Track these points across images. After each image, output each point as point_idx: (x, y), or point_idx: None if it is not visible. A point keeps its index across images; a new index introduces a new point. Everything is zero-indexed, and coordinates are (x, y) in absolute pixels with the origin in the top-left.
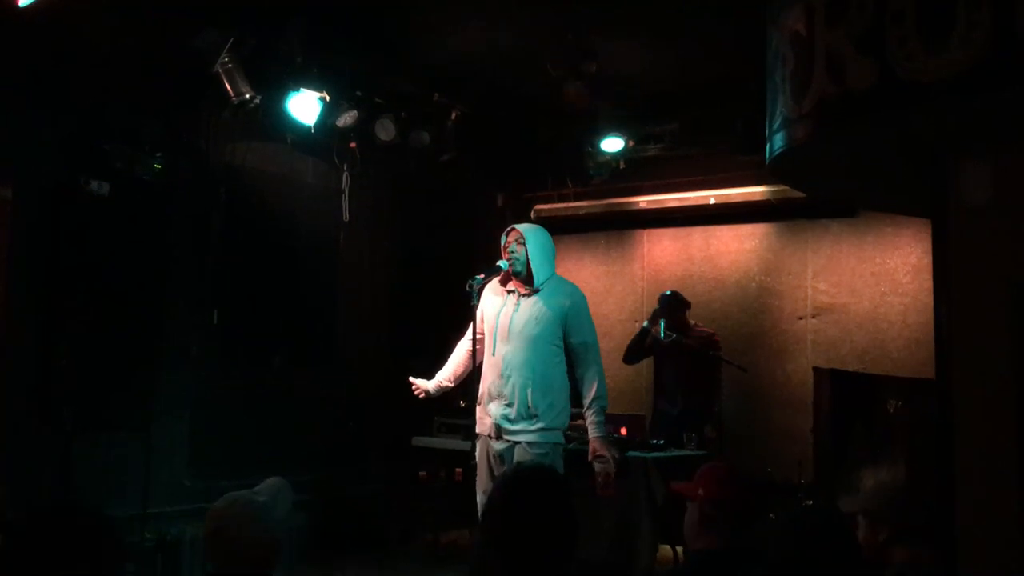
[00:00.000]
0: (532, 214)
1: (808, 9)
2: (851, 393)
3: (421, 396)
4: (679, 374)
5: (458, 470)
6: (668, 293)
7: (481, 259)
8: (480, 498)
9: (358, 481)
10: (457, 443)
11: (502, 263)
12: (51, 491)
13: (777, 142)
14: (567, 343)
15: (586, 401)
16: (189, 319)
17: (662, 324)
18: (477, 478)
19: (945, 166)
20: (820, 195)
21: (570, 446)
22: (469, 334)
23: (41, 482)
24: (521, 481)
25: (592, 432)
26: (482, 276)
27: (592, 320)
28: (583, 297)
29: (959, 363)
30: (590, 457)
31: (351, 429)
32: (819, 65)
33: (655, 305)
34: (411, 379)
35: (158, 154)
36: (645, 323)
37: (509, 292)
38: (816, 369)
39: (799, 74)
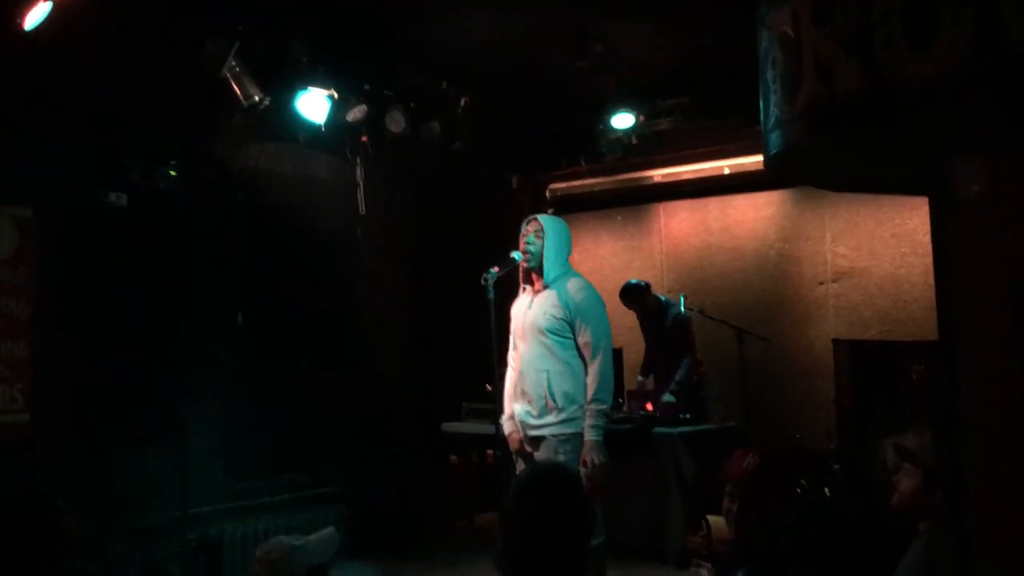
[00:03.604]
0: (547, 194)
1: (794, 11)
2: (872, 363)
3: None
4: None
5: (489, 452)
6: (623, 290)
7: (499, 244)
8: None
9: (391, 471)
10: (486, 427)
11: (516, 254)
12: (91, 504)
13: (772, 143)
14: (575, 342)
15: (586, 403)
16: (215, 324)
17: (682, 299)
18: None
19: (939, 161)
20: (823, 187)
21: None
22: (511, 360)
23: (81, 497)
24: (535, 481)
25: (584, 435)
26: (497, 269)
27: (602, 317)
28: (592, 295)
29: (963, 358)
30: (580, 462)
31: (381, 425)
32: (808, 67)
33: (675, 279)
34: (506, 434)
35: (172, 162)
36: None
37: (526, 290)
38: (836, 341)
39: (789, 75)
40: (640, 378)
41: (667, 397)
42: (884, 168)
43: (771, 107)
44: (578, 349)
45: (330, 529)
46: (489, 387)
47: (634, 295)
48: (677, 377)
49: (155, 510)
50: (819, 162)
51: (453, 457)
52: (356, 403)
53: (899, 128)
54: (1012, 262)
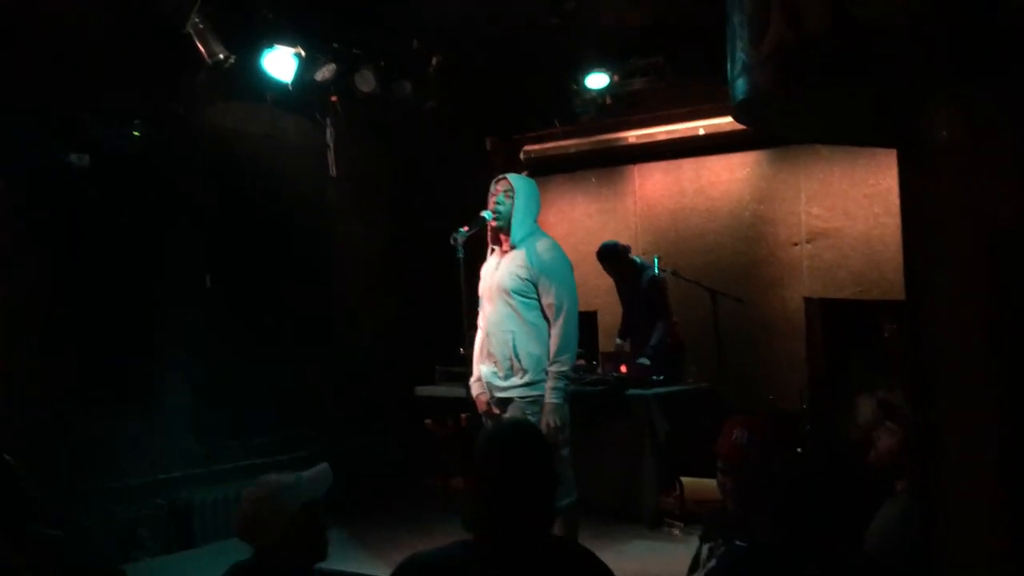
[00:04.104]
0: (521, 155)
1: None
2: (844, 322)
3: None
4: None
5: (463, 416)
6: (601, 250)
7: (472, 206)
8: None
9: (364, 435)
10: (459, 391)
11: (486, 214)
12: (59, 468)
13: (739, 89)
14: (540, 303)
15: (548, 364)
16: (183, 287)
17: (656, 261)
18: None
19: (909, 106)
20: (789, 137)
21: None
22: (479, 321)
23: (49, 461)
24: (501, 438)
25: (544, 396)
26: (466, 229)
27: (567, 278)
28: (559, 256)
29: (930, 307)
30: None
31: (355, 388)
32: (775, 8)
33: (649, 240)
34: (474, 396)
35: (136, 121)
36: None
37: (494, 251)
38: (807, 299)
39: (755, 18)
40: (618, 341)
41: (642, 360)
42: (853, 114)
43: (737, 52)
44: (543, 310)
45: (323, 465)
46: (462, 350)
47: (609, 255)
48: (652, 342)
49: (125, 474)
50: (786, 108)
51: (427, 421)
52: (329, 367)
53: (869, 70)
54: (982, 210)
